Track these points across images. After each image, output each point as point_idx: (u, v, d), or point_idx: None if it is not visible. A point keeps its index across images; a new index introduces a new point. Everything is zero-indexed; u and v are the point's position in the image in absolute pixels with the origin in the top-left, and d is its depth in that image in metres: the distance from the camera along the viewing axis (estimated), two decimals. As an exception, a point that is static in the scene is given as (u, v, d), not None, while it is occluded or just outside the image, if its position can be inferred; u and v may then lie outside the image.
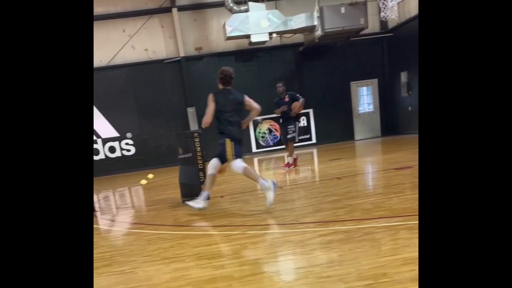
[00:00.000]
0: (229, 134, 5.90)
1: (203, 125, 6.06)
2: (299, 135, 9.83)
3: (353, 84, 15.25)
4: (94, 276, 3.85)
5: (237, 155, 5.90)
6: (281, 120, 9.89)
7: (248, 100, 6.01)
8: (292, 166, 9.82)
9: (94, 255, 4.52)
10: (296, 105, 9.39)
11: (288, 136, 9.69)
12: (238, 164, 5.84)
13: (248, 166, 5.88)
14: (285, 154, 11.53)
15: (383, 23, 14.84)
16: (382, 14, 12.08)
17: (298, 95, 9.57)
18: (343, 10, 12.61)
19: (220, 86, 6.03)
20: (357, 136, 15.55)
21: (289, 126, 9.63)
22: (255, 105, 6.02)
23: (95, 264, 4.21)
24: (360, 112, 15.55)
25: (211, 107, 5.87)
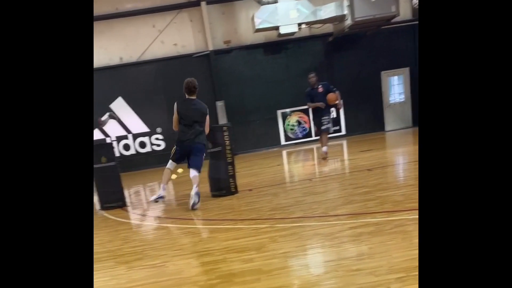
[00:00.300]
0: (177, 141, 6.68)
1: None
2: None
3: (383, 74, 14.93)
4: (127, 270, 3.94)
5: (174, 160, 6.77)
6: (313, 111, 9.70)
7: (206, 119, 6.54)
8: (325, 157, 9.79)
9: (127, 249, 4.60)
10: (333, 97, 9.28)
11: (323, 128, 9.56)
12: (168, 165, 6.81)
13: (168, 169, 6.77)
14: (317, 145, 11.43)
15: (415, 10, 14.45)
16: (414, 1, 11.79)
17: (332, 86, 9.48)
18: (373, -3, 12.35)
19: (186, 96, 6.52)
20: (388, 126, 15.24)
21: (323, 118, 9.51)
22: (206, 127, 6.55)
23: (127, 258, 4.30)
24: (391, 102, 15.22)
25: (174, 116, 6.54)
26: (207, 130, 6.54)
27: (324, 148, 9.69)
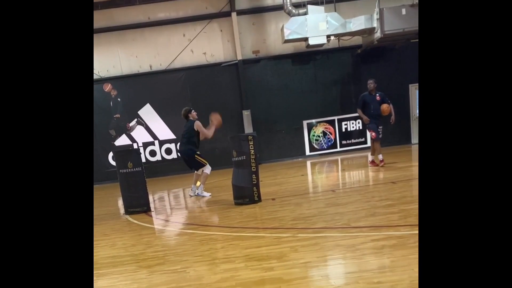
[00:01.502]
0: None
1: None
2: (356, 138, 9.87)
3: (412, 87, 14.75)
4: (148, 274, 4.00)
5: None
6: (371, 116, 9.66)
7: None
8: (383, 163, 9.88)
9: (149, 254, 4.67)
10: (386, 108, 9.40)
11: (380, 136, 9.78)
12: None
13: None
14: (343, 156, 11.34)
15: (446, 25, 14.28)
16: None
17: (387, 98, 9.61)
18: (404, 11, 12.21)
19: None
20: (414, 139, 14.99)
21: (379, 127, 9.69)
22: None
23: (149, 262, 4.36)
24: (418, 115, 14.99)
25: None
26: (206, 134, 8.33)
27: (379, 156, 9.92)
